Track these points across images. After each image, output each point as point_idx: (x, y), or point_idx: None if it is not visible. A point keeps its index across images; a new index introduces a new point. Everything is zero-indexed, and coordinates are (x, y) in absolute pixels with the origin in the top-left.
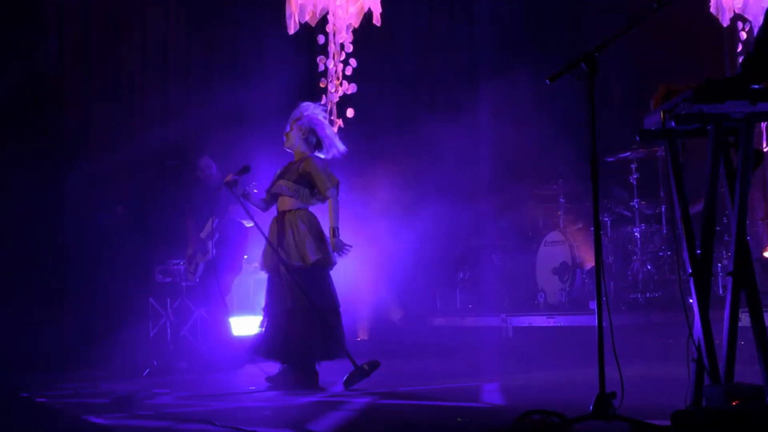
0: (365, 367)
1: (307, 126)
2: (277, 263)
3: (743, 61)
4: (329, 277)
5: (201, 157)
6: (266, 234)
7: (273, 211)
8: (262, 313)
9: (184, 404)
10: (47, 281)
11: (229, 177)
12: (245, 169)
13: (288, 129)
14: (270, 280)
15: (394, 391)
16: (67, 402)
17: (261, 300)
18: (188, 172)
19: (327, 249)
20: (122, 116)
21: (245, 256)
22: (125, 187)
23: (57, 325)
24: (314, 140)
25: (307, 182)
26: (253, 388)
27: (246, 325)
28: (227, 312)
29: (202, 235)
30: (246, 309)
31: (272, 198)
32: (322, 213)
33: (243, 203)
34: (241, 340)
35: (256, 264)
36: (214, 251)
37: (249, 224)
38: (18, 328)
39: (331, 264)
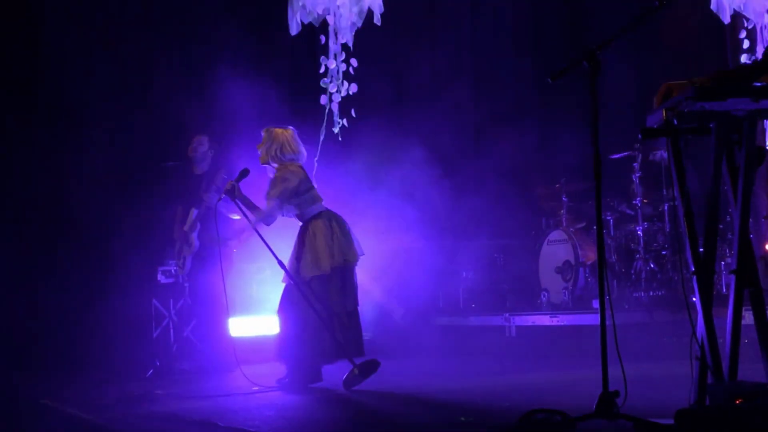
0: (365, 367)
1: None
2: (292, 270)
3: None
4: (348, 278)
5: (196, 136)
6: (263, 237)
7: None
8: (278, 317)
9: (187, 404)
10: (49, 282)
11: (229, 184)
12: (244, 173)
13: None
14: (286, 286)
15: (396, 391)
16: (69, 402)
17: (262, 300)
18: (182, 162)
19: (341, 251)
20: (122, 115)
21: (234, 250)
22: (126, 188)
23: (59, 326)
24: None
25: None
26: (256, 388)
27: (248, 325)
28: (226, 310)
29: (186, 227)
30: (247, 310)
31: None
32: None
33: (243, 210)
34: (240, 341)
35: (258, 265)
36: (197, 242)
37: (235, 217)
38: (20, 328)
39: (344, 264)
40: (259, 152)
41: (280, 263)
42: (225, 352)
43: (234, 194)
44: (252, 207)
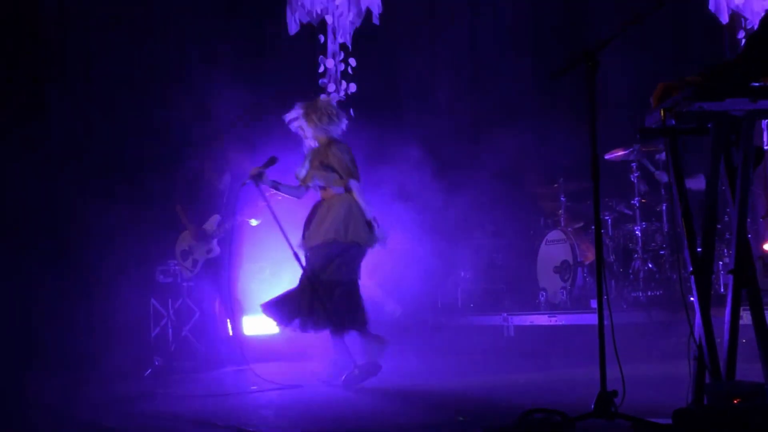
0: (366, 367)
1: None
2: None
3: (747, 40)
4: (348, 256)
5: (225, 173)
6: (281, 224)
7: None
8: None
9: (186, 404)
10: (48, 281)
11: (255, 170)
12: (272, 161)
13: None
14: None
15: (394, 390)
16: (67, 402)
17: (260, 300)
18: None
19: (347, 232)
20: (121, 114)
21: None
22: (125, 187)
23: (58, 325)
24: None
25: (332, 168)
26: (255, 387)
27: (254, 324)
28: (240, 309)
29: (205, 228)
30: (245, 309)
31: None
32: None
33: (265, 197)
34: (249, 340)
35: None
36: (218, 249)
37: (255, 223)
38: (19, 328)
39: (345, 245)
40: (305, 133)
41: (295, 255)
42: (225, 351)
43: (258, 181)
44: (284, 188)
